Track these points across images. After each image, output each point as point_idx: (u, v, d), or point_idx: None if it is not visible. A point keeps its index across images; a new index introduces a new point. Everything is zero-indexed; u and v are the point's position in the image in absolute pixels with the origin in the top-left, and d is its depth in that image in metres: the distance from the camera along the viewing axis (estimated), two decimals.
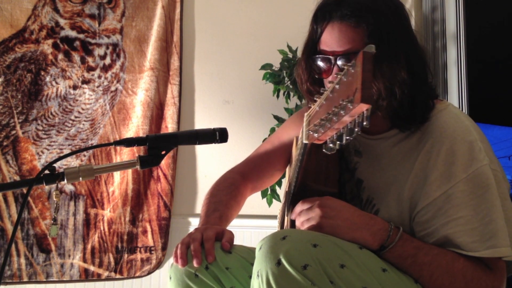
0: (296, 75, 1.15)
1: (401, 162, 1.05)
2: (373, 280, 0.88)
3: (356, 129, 0.69)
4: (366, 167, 1.12)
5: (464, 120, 1.03)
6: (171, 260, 2.40)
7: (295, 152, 1.24)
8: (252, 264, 1.04)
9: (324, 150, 0.79)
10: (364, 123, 0.67)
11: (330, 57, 1.04)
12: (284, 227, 1.31)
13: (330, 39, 1.04)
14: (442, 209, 0.97)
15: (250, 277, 1.02)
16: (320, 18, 1.06)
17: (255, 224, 2.37)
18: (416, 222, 1.01)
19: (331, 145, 0.77)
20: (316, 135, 0.81)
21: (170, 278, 1.05)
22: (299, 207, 1.02)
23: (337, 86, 0.74)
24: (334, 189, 1.08)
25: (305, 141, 0.88)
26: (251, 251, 1.10)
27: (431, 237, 0.98)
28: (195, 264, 1.00)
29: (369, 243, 0.95)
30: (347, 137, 0.72)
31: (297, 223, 1.01)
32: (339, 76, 0.74)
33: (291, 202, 1.13)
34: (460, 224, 0.96)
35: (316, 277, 0.82)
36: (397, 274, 0.95)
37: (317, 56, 1.07)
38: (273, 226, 2.44)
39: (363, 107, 0.66)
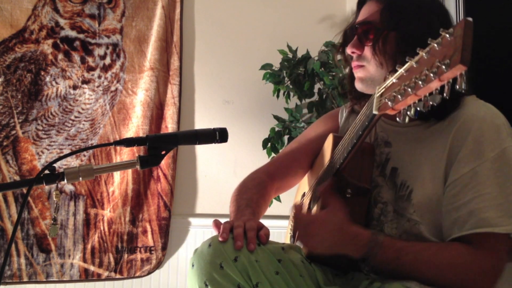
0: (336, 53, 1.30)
1: (434, 141, 1.08)
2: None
3: (445, 94, 0.69)
4: (399, 154, 1.15)
5: (493, 108, 1.09)
6: (171, 260, 2.42)
7: (330, 146, 1.24)
8: (279, 260, 1.05)
9: (398, 119, 0.80)
10: (463, 86, 0.67)
11: (355, 27, 1.16)
12: (303, 210, 1.32)
13: (360, 15, 1.19)
14: (469, 185, 1.01)
15: (277, 272, 1.03)
16: (359, 4, 1.22)
17: None
18: (444, 197, 1.05)
19: (409, 113, 0.77)
20: (391, 103, 0.80)
21: (193, 265, 1.03)
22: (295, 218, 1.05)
23: (425, 55, 0.74)
24: (367, 185, 1.11)
25: (375, 111, 0.87)
26: (278, 246, 1.11)
27: (457, 211, 1.02)
28: (236, 246, 1.02)
29: (352, 256, 1.03)
30: (432, 102, 0.71)
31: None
32: (431, 44, 0.74)
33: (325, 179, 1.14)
34: (486, 200, 0.99)
35: None
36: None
37: (349, 28, 1.21)
38: (273, 226, 2.44)
39: (460, 69, 0.65)
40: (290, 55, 2.35)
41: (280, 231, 2.55)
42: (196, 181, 2.53)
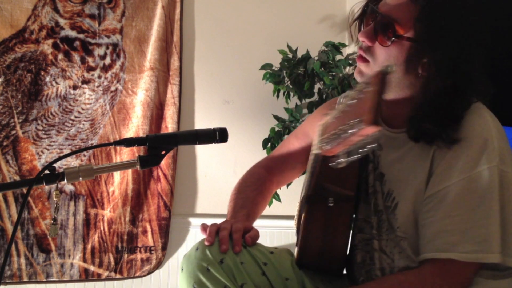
0: (350, 14, 1.15)
1: (420, 153, 1.04)
2: None
3: (363, 150, 0.68)
4: (387, 161, 1.11)
5: (486, 116, 1.02)
6: (171, 260, 2.42)
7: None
8: (264, 263, 1.05)
9: (332, 164, 0.78)
10: (372, 146, 0.66)
11: (376, 13, 1.03)
12: (301, 225, 1.32)
13: None
14: (441, 203, 0.97)
15: (263, 273, 1.04)
16: None
17: (255, 224, 2.36)
18: (420, 210, 1.02)
19: (341, 159, 0.76)
20: (327, 147, 0.80)
21: (182, 269, 1.05)
22: None
23: (353, 101, 0.73)
24: (351, 192, 1.09)
25: (316, 151, 0.88)
26: (267, 250, 1.12)
27: (427, 228, 0.99)
28: (221, 249, 1.02)
29: None
30: (356, 155, 0.71)
31: None
32: (355, 92, 0.73)
33: (306, 202, 1.13)
34: (455, 222, 0.96)
35: None
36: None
37: (371, 7, 1.07)
38: (273, 226, 2.45)
39: (371, 130, 0.65)
40: (290, 55, 2.35)
41: (280, 231, 2.55)
42: (196, 181, 2.53)
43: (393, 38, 0.99)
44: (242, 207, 1.24)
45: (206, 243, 1.04)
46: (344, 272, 1.22)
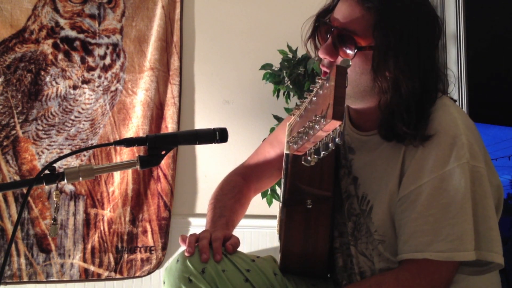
0: (303, 31, 1.14)
1: (391, 155, 1.04)
2: None
3: (330, 145, 0.68)
4: (360, 164, 1.11)
5: (453, 112, 1.01)
6: (171, 260, 2.41)
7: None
8: (247, 270, 1.04)
9: (303, 162, 0.77)
10: (337, 140, 0.66)
11: (331, 28, 1.02)
12: (282, 229, 1.31)
13: (339, 11, 1.03)
14: (414, 203, 0.97)
15: (246, 280, 1.03)
16: None
17: (255, 224, 2.37)
18: (396, 211, 1.02)
19: (309, 158, 0.75)
20: (295, 146, 0.80)
21: (164, 282, 1.05)
22: None
23: (314, 99, 0.73)
24: (328, 192, 1.08)
25: (286, 152, 0.88)
26: (249, 257, 1.11)
27: (403, 228, 0.99)
28: (202, 259, 1.02)
29: None
30: (323, 152, 0.71)
31: None
32: (315, 88, 0.73)
33: (284, 205, 1.13)
34: (428, 222, 0.96)
35: None
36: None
37: (323, 21, 1.06)
38: (273, 226, 2.45)
39: (335, 124, 0.64)
40: (290, 55, 2.35)
41: None
42: (196, 181, 2.53)
43: (356, 50, 0.99)
44: (220, 216, 1.23)
45: (186, 254, 1.04)
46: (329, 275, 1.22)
